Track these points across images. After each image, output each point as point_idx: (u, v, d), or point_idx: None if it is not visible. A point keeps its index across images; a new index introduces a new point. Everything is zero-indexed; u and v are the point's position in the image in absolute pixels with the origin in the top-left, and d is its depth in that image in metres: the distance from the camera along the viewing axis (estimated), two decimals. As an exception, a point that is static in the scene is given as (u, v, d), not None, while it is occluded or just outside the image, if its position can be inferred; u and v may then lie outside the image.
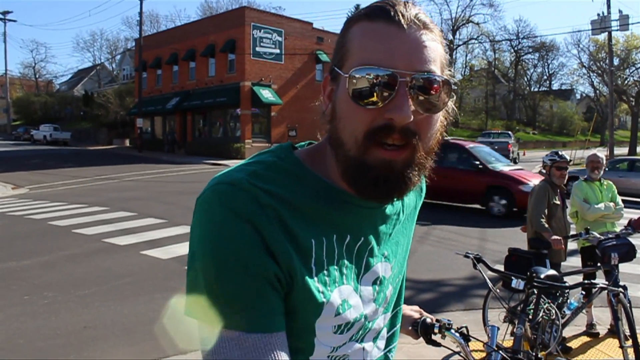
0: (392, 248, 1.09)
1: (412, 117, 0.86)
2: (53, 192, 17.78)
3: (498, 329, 1.66)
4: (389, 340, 1.17)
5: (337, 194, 0.96)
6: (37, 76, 77.12)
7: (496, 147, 28.86)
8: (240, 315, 0.83)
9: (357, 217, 0.98)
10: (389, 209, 1.05)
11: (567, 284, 2.69)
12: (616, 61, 45.13)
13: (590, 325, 5.45)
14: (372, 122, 0.87)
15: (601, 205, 5.41)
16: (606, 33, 32.32)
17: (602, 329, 5.48)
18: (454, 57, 61.65)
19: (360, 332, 1.03)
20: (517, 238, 9.86)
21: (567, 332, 5.37)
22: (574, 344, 5.18)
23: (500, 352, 1.57)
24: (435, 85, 0.87)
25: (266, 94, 34.66)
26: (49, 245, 9.15)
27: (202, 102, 36.81)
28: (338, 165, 0.93)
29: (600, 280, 4.15)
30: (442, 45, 0.93)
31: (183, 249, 8.56)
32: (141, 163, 29.45)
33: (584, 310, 5.49)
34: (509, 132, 36.47)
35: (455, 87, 0.94)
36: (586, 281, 2.68)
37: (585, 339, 5.35)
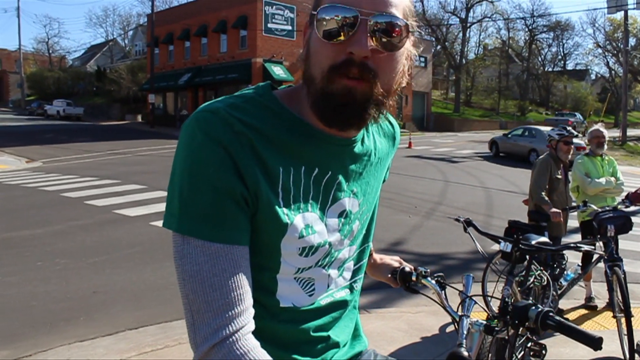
0: (361, 186, 1.19)
1: (371, 54, 0.97)
2: (66, 165, 18.01)
3: (473, 277, 1.76)
4: (355, 273, 1.28)
5: (308, 130, 1.07)
6: (50, 51, 77.39)
7: (559, 123, 32.37)
8: (207, 226, 0.95)
9: (326, 152, 1.09)
10: (358, 149, 1.16)
11: (553, 247, 2.78)
12: (632, 41, 44.54)
13: (589, 299, 5.54)
14: (336, 57, 0.98)
15: (602, 179, 5.46)
16: (622, 12, 31.84)
17: (600, 303, 5.57)
18: (467, 35, 61.04)
19: (327, 259, 1.15)
20: (523, 215, 9.92)
21: (565, 305, 5.48)
22: (570, 316, 5.29)
23: (474, 299, 1.68)
24: (396, 28, 0.98)
25: (278, 71, 34.62)
26: (62, 216, 9.35)
27: (213, 78, 36.85)
28: (309, 100, 1.04)
29: (589, 246, 4.23)
30: None
31: (192, 220, 8.67)
32: (153, 138, 29.63)
33: (583, 284, 5.60)
34: (576, 113, 42.32)
35: (415, 34, 1.06)
36: (572, 244, 2.77)
37: (582, 311, 5.45)
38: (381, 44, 0.97)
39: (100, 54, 72.48)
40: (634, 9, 31.45)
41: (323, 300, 1.17)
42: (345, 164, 1.14)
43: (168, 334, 4.56)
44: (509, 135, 23.89)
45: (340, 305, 1.22)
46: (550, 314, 1.37)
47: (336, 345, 1.22)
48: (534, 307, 1.40)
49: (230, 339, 0.93)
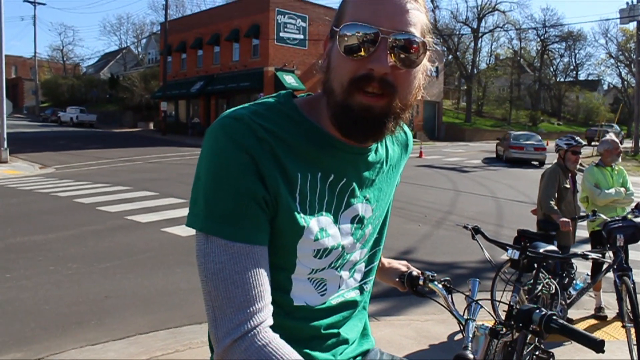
0: (374, 193, 1.25)
1: (391, 70, 1.01)
2: (78, 171, 18.15)
3: (479, 282, 1.79)
4: (366, 275, 1.33)
5: (326, 138, 1.12)
6: (64, 59, 78.34)
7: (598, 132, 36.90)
8: (230, 227, 1.00)
9: (342, 160, 1.14)
10: (372, 157, 1.21)
11: (560, 255, 2.80)
12: (645, 51, 44.28)
13: (599, 309, 5.51)
14: (356, 71, 1.02)
15: (612, 190, 5.45)
16: (635, 22, 31.71)
17: (610, 313, 5.54)
18: (478, 45, 60.99)
19: (339, 261, 1.20)
20: (533, 225, 9.90)
21: (575, 315, 5.46)
22: (580, 326, 5.26)
23: (480, 303, 1.71)
24: (415, 45, 1.02)
25: (289, 80, 34.77)
26: (74, 221, 9.43)
27: (225, 86, 37.09)
28: (328, 110, 1.09)
29: (596, 254, 4.23)
30: (425, 15, 1.08)
31: (202, 227, 8.75)
32: (165, 146, 29.80)
33: (592, 294, 5.58)
34: (614, 124, 42.90)
35: (432, 49, 1.10)
36: (579, 252, 2.78)
37: (592, 321, 5.43)
38: (400, 60, 1.02)
39: (114, 62, 73.22)
40: (646, 19, 31.31)
41: (334, 300, 1.23)
42: (359, 172, 1.19)
43: (178, 338, 4.60)
44: (502, 140, 28.57)
45: (350, 305, 1.28)
46: (554, 317, 1.39)
47: (345, 342, 1.27)
48: (538, 311, 1.43)
49: (251, 333, 0.98)
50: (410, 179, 16.11)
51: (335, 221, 1.15)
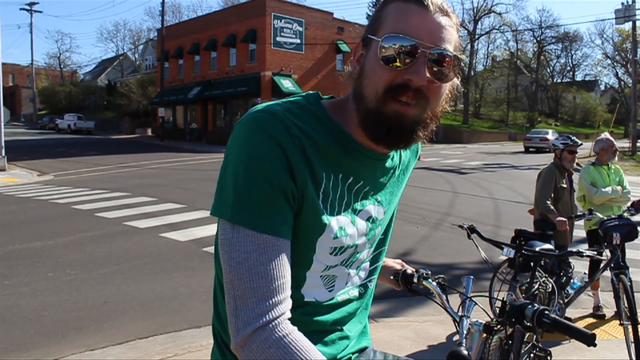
0: (385, 196, 1.30)
1: (426, 82, 1.05)
2: (77, 178, 18.16)
3: (473, 279, 1.81)
4: (370, 273, 1.38)
5: (351, 142, 1.16)
6: (62, 66, 78.36)
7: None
8: (258, 218, 1.03)
9: (362, 164, 1.19)
10: (388, 163, 1.27)
11: (555, 253, 2.81)
12: (641, 51, 44.45)
13: (597, 308, 5.52)
14: (393, 80, 1.07)
15: (608, 189, 5.47)
16: (631, 22, 31.81)
17: (609, 312, 5.55)
18: (475, 47, 61.08)
19: (351, 259, 1.25)
20: (531, 225, 9.91)
21: (573, 314, 5.47)
22: (578, 324, 5.26)
23: (474, 301, 1.72)
24: (448, 59, 1.07)
25: (286, 84, 34.83)
26: (72, 228, 9.44)
27: (223, 91, 37.12)
28: (357, 116, 1.13)
29: (592, 251, 4.24)
30: (458, 31, 1.13)
31: (201, 231, 8.80)
32: (163, 152, 29.84)
33: (591, 293, 5.59)
34: None
35: (462, 66, 1.15)
36: (574, 250, 2.79)
37: (590, 320, 5.44)
38: (434, 74, 1.06)
39: (111, 69, 73.27)
40: (642, 19, 31.40)
41: (340, 296, 1.27)
42: (375, 175, 1.24)
43: (177, 343, 4.60)
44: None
45: (354, 302, 1.33)
46: (546, 312, 1.41)
47: (347, 337, 1.31)
48: (530, 306, 1.45)
49: (272, 324, 1.00)
50: (409, 181, 15.92)
51: (353, 221, 1.20)
